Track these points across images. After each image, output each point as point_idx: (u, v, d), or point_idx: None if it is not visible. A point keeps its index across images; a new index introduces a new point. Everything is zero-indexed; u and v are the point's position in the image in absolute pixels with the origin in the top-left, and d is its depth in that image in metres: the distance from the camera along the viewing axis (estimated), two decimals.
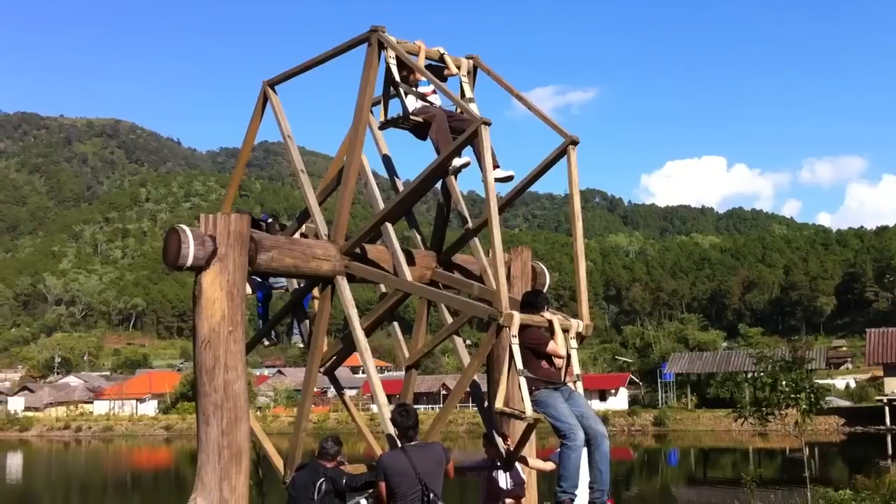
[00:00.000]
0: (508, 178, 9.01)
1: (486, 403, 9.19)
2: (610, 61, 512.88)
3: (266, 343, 11.02)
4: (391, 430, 7.76)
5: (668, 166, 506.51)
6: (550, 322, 7.88)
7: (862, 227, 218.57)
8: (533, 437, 8.78)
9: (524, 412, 7.44)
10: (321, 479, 7.79)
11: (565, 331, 7.96)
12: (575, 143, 8.48)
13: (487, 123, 7.83)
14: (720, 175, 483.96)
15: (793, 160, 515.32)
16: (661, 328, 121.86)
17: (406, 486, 7.17)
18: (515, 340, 7.45)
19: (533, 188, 9.70)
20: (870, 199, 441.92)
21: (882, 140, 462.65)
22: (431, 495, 7.15)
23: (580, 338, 8.11)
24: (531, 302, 8.04)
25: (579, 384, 8.02)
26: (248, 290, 9.48)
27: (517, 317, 7.48)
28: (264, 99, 9.73)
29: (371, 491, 7.86)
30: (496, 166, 8.82)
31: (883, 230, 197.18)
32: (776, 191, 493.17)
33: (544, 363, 7.77)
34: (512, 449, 8.68)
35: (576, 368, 8.02)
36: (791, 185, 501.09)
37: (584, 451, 7.68)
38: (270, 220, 10.77)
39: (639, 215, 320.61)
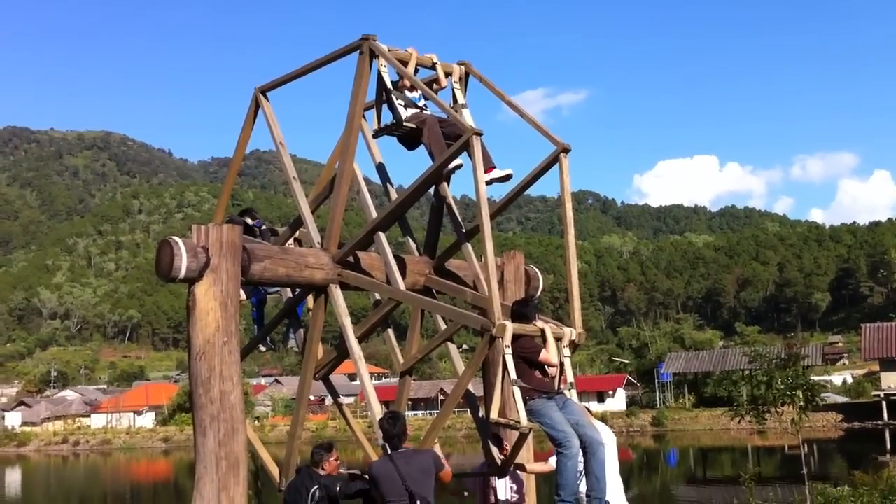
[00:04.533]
0: (507, 178, 8.93)
1: (479, 412, 9.18)
2: (599, 63, 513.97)
3: (262, 349, 11.03)
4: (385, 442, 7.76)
5: (659, 166, 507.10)
6: (543, 331, 7.88)
7: (854, 222, 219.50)
8: (531, 441, 8.78)
9: (519, 422, 7.46)
10: (315, 487, 7.79)
11: (558, 339, 7.95)
12: (566, 150, 8.48)
13: (479, 134, 7.86)
14: (712, 174, 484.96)
15: (784, 157, 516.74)
16: (657, 328, 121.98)
17: (394, 494, 7.20)
18: (508, 350, 7.45)
19: (526, 191, 9.71)
20: (862, 194, 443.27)
21: (873, 135, 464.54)
22: (419, 502, 7.16)
23: (573, 346, 8.10)
24: (522, 312, 8.03)
25: (573, 392, 8.02)
26: (243, 295, 9.48)
27: (510, 327, 7.48)
28: (256, 106, 9.74)
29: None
30: (492, 167, 8.82)
31: (876, 225, 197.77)
32: (768, 188, 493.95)
33: (537, 372, 7.78)
34: (507, 456, 8.68)
35: (569, 377, 8.02)
36: (783, 181, 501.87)
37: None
38: (264, 226, 10.79)
39: (632, 216, 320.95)
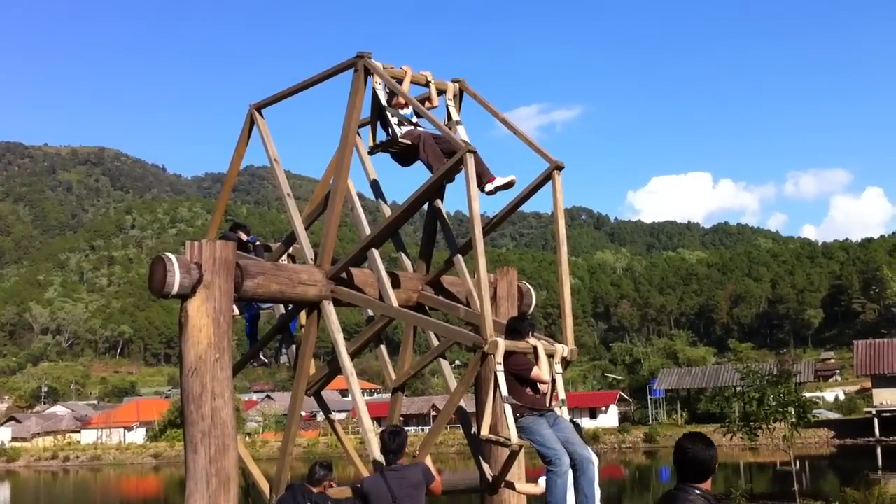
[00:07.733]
0: (510, 184, 8.78)
1: (472, 428, 9.18)
2: (593, 79, 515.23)
3: (255, 364, 11.03)
4: (377, 456, 7.76)
5: (653, 182, 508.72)
6: (535, 348, 7.89)
7: (847, 238, 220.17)
8: (522, 458, 8.78)
9: (510, 439, 7.45)
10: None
11: (550, 356, 7.96)
12: (559, 167, 8.51)
13: (472, 151, 7.88)
14: (706, 190, 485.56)
15: (777, 173, 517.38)
16: (649, 344, 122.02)
17: None
18: (500, 367, 7.46)
19: (520, 207, 9.73)
20: (854, 210, 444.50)
21: (865, 152, 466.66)
22: None
23: (565, 363, 8.11)
24: (516, 328, 8.05)
25: (564, 409, 8.02)
26: (236, 311, 9.48)
27: (502, 344, 7.50)
28: (251, 122, 9.77)
29: None
30: (493, 178, 8.77)
31: (868, 242, 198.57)
32: (761, 204, 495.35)
33: (529, 389, 7.77)
34: (498, 474, 8.66)
35: (561, 393, 8.02)
36: (776, 198, 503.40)
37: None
38: (258, 242, 10.80)
39: (625, 232, 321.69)
